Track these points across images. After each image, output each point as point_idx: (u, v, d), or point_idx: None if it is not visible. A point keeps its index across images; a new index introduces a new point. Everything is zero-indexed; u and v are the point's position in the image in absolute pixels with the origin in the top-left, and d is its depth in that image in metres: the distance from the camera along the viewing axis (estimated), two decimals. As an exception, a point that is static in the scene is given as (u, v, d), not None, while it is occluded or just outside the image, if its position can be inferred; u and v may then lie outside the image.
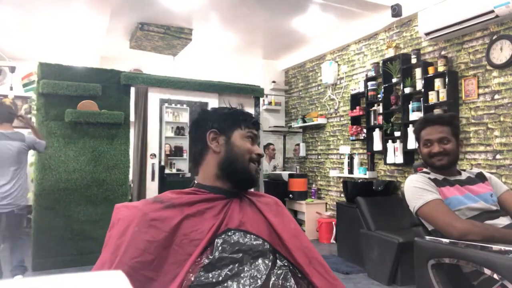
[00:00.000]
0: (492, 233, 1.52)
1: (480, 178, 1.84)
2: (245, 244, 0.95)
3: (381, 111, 4.35)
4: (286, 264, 0.98)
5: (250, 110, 4.68)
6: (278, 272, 0.94)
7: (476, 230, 1.52)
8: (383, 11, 4.19)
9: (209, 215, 0.98)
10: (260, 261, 0.94)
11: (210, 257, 0.90)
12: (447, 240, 1.57)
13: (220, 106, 1.17)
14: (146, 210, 0.93)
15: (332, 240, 4.91)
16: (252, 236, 0.97)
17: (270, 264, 0.94)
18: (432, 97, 3.68)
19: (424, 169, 1.87)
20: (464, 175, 1.83)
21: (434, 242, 1.63)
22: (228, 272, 0.89)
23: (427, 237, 1.70)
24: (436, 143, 1.76)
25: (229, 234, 0.96)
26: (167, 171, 6.20)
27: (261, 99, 4.98)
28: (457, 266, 1.56)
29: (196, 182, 1.09)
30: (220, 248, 0.92)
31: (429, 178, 1.75)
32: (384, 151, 4.28)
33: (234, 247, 0.93)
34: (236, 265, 0.91)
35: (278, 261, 0.97)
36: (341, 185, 4.84)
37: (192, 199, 1.00)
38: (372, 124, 4.49)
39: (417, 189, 1.70)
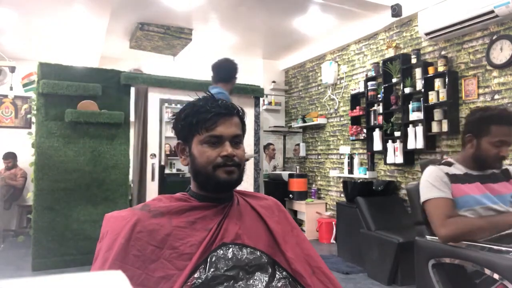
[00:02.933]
0: (479, 225, 1.52)
1: (505, 175, 1.76)
2: (241, 259, 0.90)
3: (381, 111, 4.35)
4: (285, 275, 0.94)
5: (250, 110, 4.68)
6: (278, 285, 0.91)
7: (459, 232, 1.53)
8: (383, 11, 4.19)
9: (200, 226, 0.92)
10: (257, 275, 0.90)
11: (202, 276, 0.86)
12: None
13: (189, 102, 1.01)
14: (133, 220, 0.89)
15: (332, 240, 4.91)
16: (248, 249, 0.93)
17: (268, 277, 0.91)
18: (432, 97, 3.68)
19: (449, 159, 1.79)
20: (489, 170, 1.74)
21: (435, 241, 1.63)
22: None
23: (428, 237, 1.70)
24: (506, 147, 1.64)
25: (224, 249, 0.90)
26: (167, 171, 6.20)
27: (261, 99, 4.98)
28: (458, 265, 1.56)
29: (190, 187, 1.03)
30: (214, 265, 0.88)
31: (447, 173, 1.68)
32: (384, 151, 4.28)
33: (229, 263, 0.89)
34: (231, 282, 0.87)
35: (277, 273, 0.93)
36: (341, 185, 4.84)
37: (181, 207, 0.94)
38: (372, 124, 4.49)
39: (428, 183, 1.68)
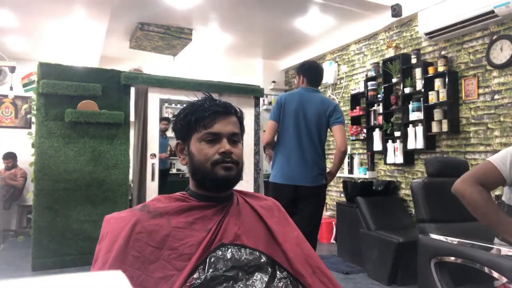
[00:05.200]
0: (485, 212, 1.43)
1: None
2: (240, 260, 0.90)
3: (381, 111, 4.35)
4: (286, 276, 0.94)
5: (250, 110, 4.68)
6: (279, 284, 0.91)
7: (467, 199, 1.46)
8: (383, 11, 4.19)
9: (199, 226, 0.92)
10: (256, 276, 0.90)
11: (202, 276, 0.86)
12: (451, 239, 1.57)
13: (189, 103, 1.03)
14: (133, 221, 0.88)
15: (332, 240, 4.91)
16: (247, 250, 0.93)
17: (268, 277, 0.91)
18: (432, 97, 3.68)
19: None
20: None
21: (438, 240, 1.63)
22: None
23: (431, 235, 1.69)
24: None
25: (222, 249, 0.91)
26: (167, 171, 6.19)
27: (261, 99, 4.98)
28: (461, 265, 1.56)
29: (189, 187, 1.03)
30: (212, 266, 0.88)
31: None
32: (384, 151, 4.28)
33: (228, 264, 0.89)
34: (230, 282, 0.87)
35: (277, 273, 0.93)
36: (341, 185, 4.84)
37: (180, 207, 0.94)
38: (372, 124, 4.49)
39: (506, 152, 1.52)
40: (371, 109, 4.53)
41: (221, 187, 0.98)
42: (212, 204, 0.97)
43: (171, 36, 4.85)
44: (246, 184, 4.40)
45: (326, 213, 5.20)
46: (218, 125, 0.96)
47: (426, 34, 3.75)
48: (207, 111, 0.96)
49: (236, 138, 0.98)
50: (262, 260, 0.93)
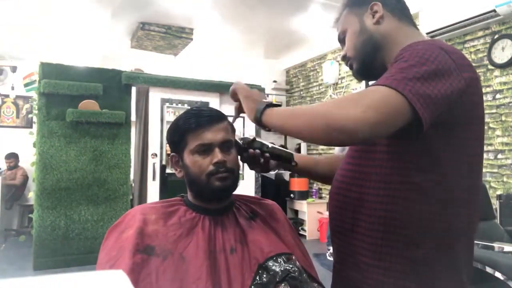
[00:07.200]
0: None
1: None
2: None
3: (382, 110, 4.34)
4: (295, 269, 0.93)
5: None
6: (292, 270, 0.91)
7: None
8: (384, 11, 4.18)
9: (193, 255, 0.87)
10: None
11: None
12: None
13: (178, 116, 1.01)
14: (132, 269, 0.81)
15: (333, 240, 4.91)
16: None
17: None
18: (434, 97, 3.68)
19: None
20: None
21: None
22: None
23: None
24: None
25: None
26: (168, 170, 6.20)
27: (262, 99, 4.98)
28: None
29: (187, 196, 1.01)
30: None
31: None
32: (385, 151, 4.28)
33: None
34: None
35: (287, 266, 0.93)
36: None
37: (177, 233, 0.89)
38: (373, 123, 4.48)
39: None
40: (372, 109, 4.53)
41: (218, 197, 0.96)
42: (209, 217, 0.95)
43: (172, 36, 4.86)
44: (247, 185, 4.40)
45: (327, 213, 5.20)
46: (208, 135, 0.93)
47: (428, 33, 3.74)
48: (195, 122, 0.94)
49: (228, 145, 0.96)
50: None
